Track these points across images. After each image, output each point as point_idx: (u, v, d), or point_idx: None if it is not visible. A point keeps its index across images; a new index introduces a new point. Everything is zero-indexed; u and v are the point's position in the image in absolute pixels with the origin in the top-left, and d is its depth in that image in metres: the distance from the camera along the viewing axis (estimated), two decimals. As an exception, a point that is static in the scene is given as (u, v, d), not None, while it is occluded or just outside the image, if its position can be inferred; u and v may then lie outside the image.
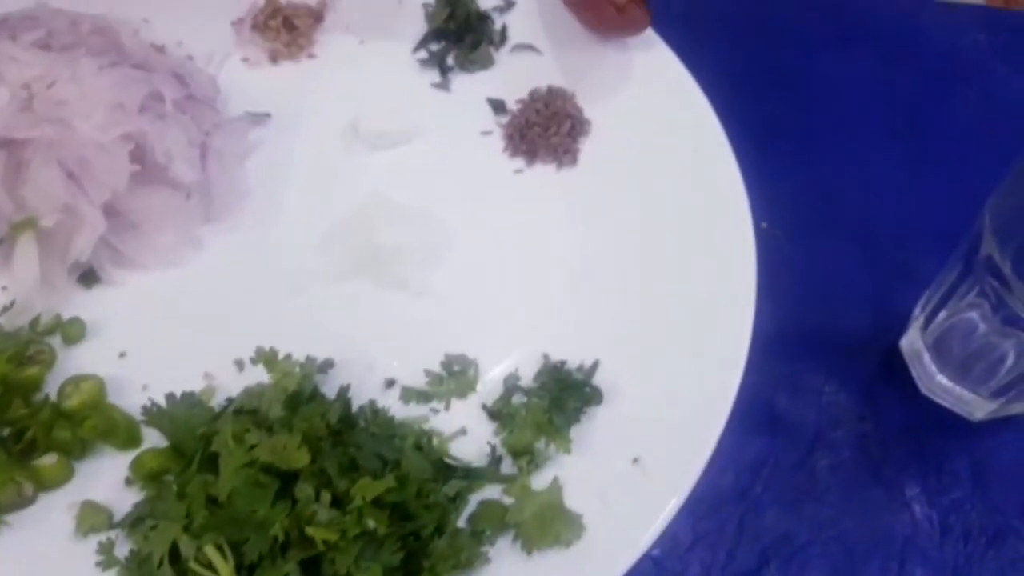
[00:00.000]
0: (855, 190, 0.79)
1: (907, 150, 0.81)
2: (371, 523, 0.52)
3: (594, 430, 0.60)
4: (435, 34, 0.78)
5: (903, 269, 0.74)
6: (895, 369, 0.70)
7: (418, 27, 0.79)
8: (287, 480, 0.55)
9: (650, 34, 0.75)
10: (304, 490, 0.54)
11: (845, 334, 0.72)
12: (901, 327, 0.70)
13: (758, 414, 0.68)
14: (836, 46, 0.88)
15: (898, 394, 0.69)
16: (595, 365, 0.63)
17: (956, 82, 0.86)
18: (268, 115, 0.74)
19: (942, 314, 0.66)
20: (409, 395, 0.62)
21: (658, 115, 0.73)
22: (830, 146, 0.81)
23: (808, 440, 0.68)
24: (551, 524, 0.55)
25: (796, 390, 0.69)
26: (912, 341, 0.69)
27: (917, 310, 0.69)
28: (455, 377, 0.63)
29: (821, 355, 0.70)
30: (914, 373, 0.69)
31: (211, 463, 0.56)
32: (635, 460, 0.58)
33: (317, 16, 0.79)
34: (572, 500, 0.57)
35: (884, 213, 0.77)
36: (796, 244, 0.74)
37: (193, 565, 0.52)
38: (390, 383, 0.63)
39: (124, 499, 0.58)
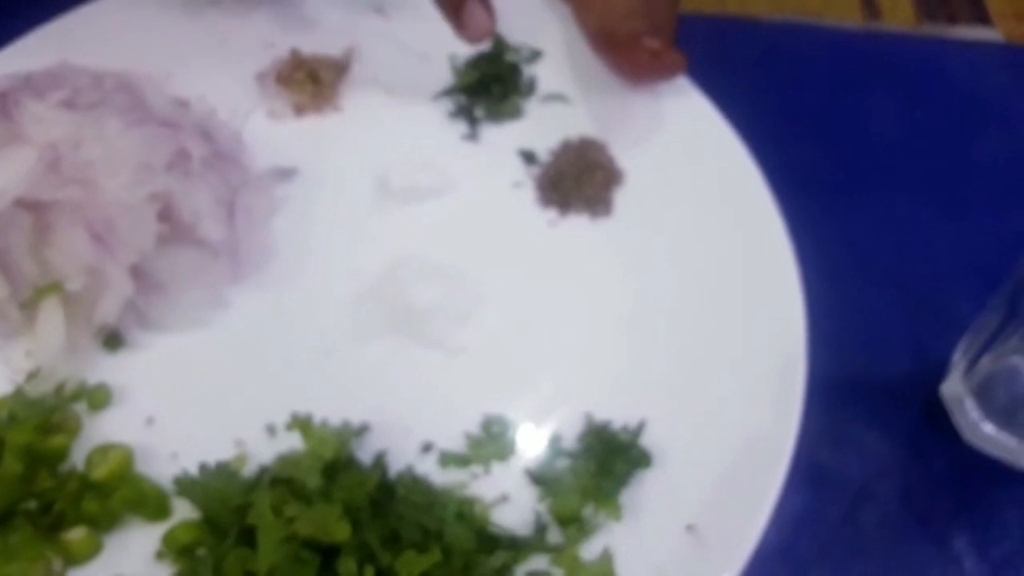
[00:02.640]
0: (888, 234, 0.77)
1: (939, 192, 0.79)
2: (420, 600, 0.49)
3: (644, 495, 0.58)
4: (463, 87, 0.76)
5: (941, 313, 0.71)
6: (937, 417, 0.67)
7: (444, 78, 0.78)
8: (328, 554, 0.52)
9: (681, 80, 0.73)
10: (348, 565, 0.51)
11: (885, 382, 0.70)
12: (940, 373, 0.68)
13: (799, 467, 0.65)
14: (860, 89, 0.86)
15: (942, 443, 0.67)
16: (641, 425, 0.60)
17: (984, 121, 0.84)
18: (295, 170, 0.72)
19: (985, 359, 0.63)
20: (448, 460, 0.60)
21: (694, 162, 0.71)
22: (860, 191, 0.79)
23: (852, 493, 0.65)
24: (605, 598, 0.52)
25: (837, 442, 0.67)
26: (953, 387, 0.67)
27: (957, 355, 0.67)
28: (495, 439, 0.61)
29: (862, 405, 0.68)
30: (956, 421, 0.67)
31: (248, 537, 0.53)
32: (689, 527, 0.56)
33: (342, 69, 0.77)
34: (625, 572, 0.54)
35: (919, 257, 0.75)
36: (832, 292, 0.71)
37: (233, 647, 0.49)
38: (427, 447, 0.60)
39: (155, 574, 0.55)
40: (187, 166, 0.64)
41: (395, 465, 0.58)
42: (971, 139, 0.83)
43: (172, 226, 0.62)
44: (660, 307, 0.66)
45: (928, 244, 0.76)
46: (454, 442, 0.60)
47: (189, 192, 0.63)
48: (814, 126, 0.82)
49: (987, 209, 0.78)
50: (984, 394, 0.64)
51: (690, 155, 0.72)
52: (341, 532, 0.52)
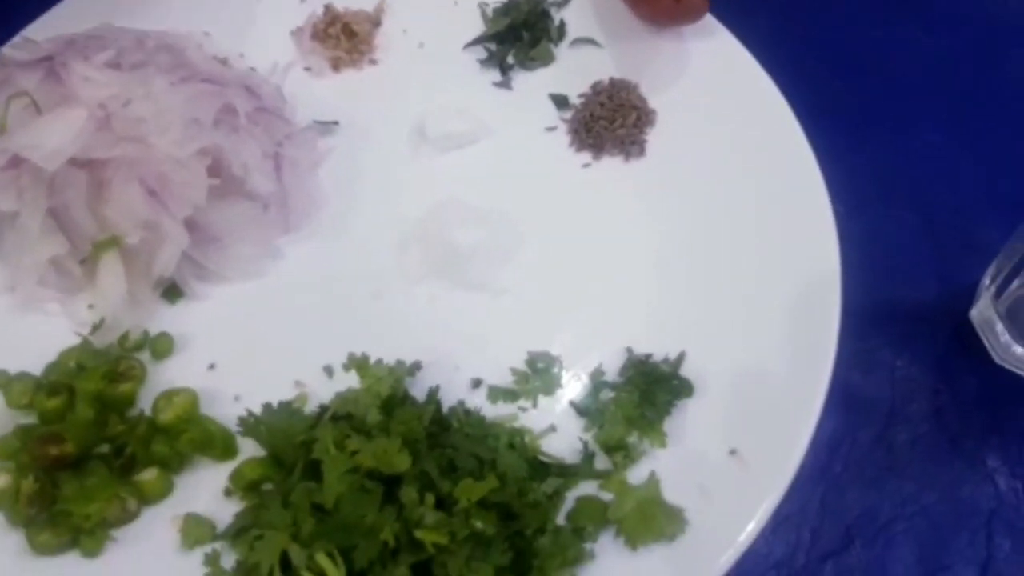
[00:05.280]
0: (913, 163, 0.77)
1: (962, 120, 0.79)
2: (479, 524, 0.51)
3: (687, 423, 0.59)
4: (493, 34, 0.76)
5: (967, 240, 0.72)
6: (966, 340, 0.68)
7: (475, 26, 0.78)
8: (389, 484, 0.54)
9: (708, 19, 0.73)
10: (409, 494, 0.52)
11: (913, 308, 0.70)
12: (969, 298, 0.69)
13: (832, 392, 0.65)
14: (884, 19, 0.85)
15: (971, 365, 0.67)
16: (681, 357, 0.61)
17: (1008, 48, 0.83)
18: (336, 123, 0.72)
19: (1015, 283, 0.64)
20: (496, 394, 0.61)
21: (725, 99, 0.71)
22: (885, 120, 0.79)
23: (884, 415, 0.66)
24: (653, 519, 0.54)
25: (868, 366, 0.67)
26: (983, 311, 0.67)
27: (987, 280, 0.67)
28: (540, 375, 0.62)
29: (891, 330, 0.69)
30: (987, 343, 0.67)
31: (312, 471, 0.55)
32: (732, 451, 0.57)
33: (375, 21, 0.77)
34: (671, 494, 0.56)
35: (943, 184, 0.75)
36: (858, 221, 0.71)
37: (305, 573, 0.51)
38: (476, 383, 0.62)
39: (224, 510, 0.57)
40: (234, 121, 0.64)
41: (447, 400, 0.60)
42: (995, 66, 0.82)
43: (223, 180, 0.63)
44: (695, 242, 0.66)
45: (953, 171, 0.76)
46: (501, 378, 0.62)
47: (237, 147, 0.64)
48: (837, 58, 0.82)
49: (1012, 135, 0.77)
50: (1015, 316, 0.65)
51: (720, 93, 0.71)
52: (402, 462, 0.53)
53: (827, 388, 0.58)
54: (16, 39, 0.72)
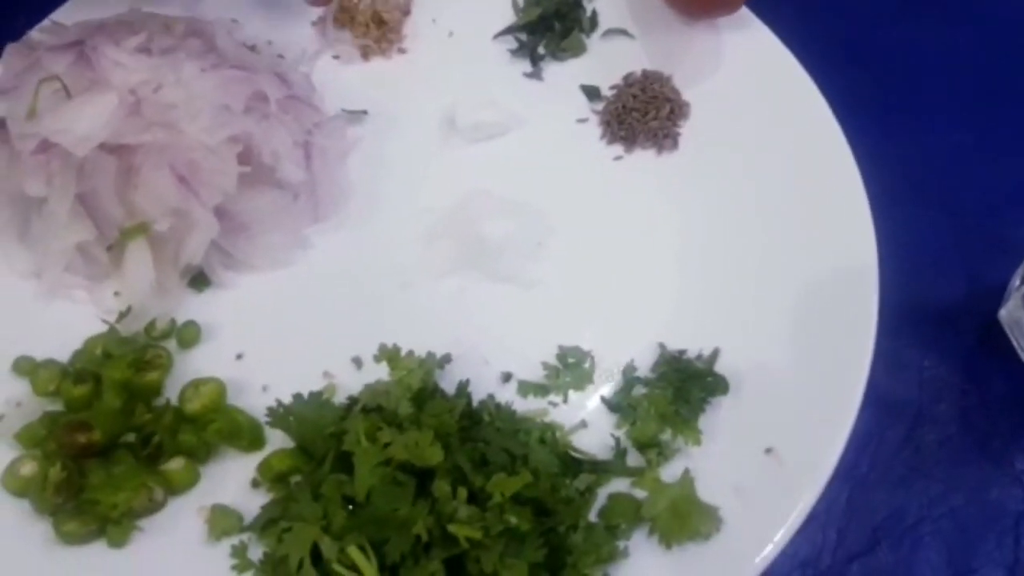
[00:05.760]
0: (943, 161, 0.75)
1: (994, 117, 0.78)
2: (513, 520, 0.51)
3: (721, 420, 0.58)
4: (525, 24, 0.75)
5: (995, 239, 0.71)
6: (995, 340, 0.67)
7: (506, 16, 0.77)
8: (422, 478, 0.53)
9: (743, 11, 0.72)
10: (442, 487, 0.52)
11: (941, 307, 0.69)
12: (998, 298, 0.68)
13: (860, 390, 0.65)
14: (913, 14, 0.84)
15: (1000, 366, 0.66)
16: (715, 353, 0.61)
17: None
18: (365, 112, 0.72)
19: (1046, 284, 0.63)
20: (527, 388, 0.60)
21: (759, 92, 0.70)
22: (914, 117, 0.78)
23: (912, 415, 0.65)
24: (687, 517, 0.53)
25: (896, 365, 0.66)
26: (1012, 311, 0.66)
27: (1016, 280, 0.66)
28: (571, 369, 0.61)
29: (919, 329, 0.68)
30: (1016, 344, 0.66)
31: (342, 463, 0.54)
32: (768, 450, 0.56)
33: (404, 10, 0.76)
34: (706, 492, 0.55)
35: (971, 182, 0.74)
36: (886, 219, 0.70)
37: (336, 567, 0.50)
38: (507, 377, 0.61)
39: (251, 501, 0.56)
40: (264, 108, 0.64)
41: (477, 394, 0.59)
42: (1018, 61, 0.80)
43: (253, 168, 0.62)
44: (729, 236, 0.65)
45: (984, 170, 0.75)
46: (532, 372, 0.61)
47: (268, 134, 0.63)
48: (865, 52, 0.81)
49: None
50: (1045, 318, 0.64)
51: (755, 86, 0.71)
52: (434, 455, 0.52)
53: (864, 387, 0.58)
54: (45, 23, 0.71)
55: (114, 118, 0.60)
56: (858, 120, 0.70)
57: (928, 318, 0.68)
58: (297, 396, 0.57)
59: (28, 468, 0.56)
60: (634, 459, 0.57)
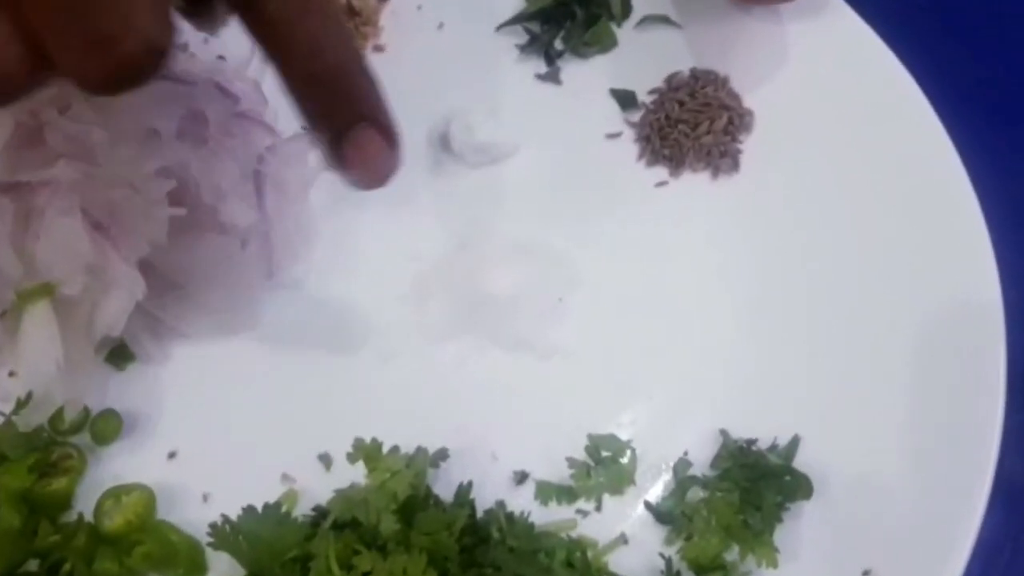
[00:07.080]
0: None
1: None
2: (535, 674, 0.50)
3: (803, 532, 0.58)
4: (536, 12, 0.76)
5: None
6: None
7: (512, 2, 0.77)
8: (413, 618, 0.53)
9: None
10: (440, 633, 0.51)
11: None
12: None
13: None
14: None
15: None
16: (794, 443, 0.61)
17: None
18: (332, 130, 0.71)
19: None
20: (547, 492, 0.61)
21: (845, 97, 0.71)
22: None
23: (1057, 512, 0.64)
24: (763, 662, 0.53)
25: (1030, 449, 0.66)
26: None
27: None
28: (605, 466, 0.61)
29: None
30: None
31: (307, 598, 0.54)
32: (866, 573, 0.56)
33: (382, -2, 0.77)
34: (787, 631, 0.55)
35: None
36: (1010, 248, 0.69)
37: None
38: (521, 477, 0.61)
39: (191, 646, 0.56)
40: (203, 131, 0.64)
41: (483, 501, 0.59)
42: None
43: (189, 209, 0.62)
44: (807, 290, 0.66)
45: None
46: (554, 470, 0.61)
47: (208, 164, 0.63)
48: (977, 40, 0.81)
49: None
50: None
51: (838, 88, 0.71)
52: (428, 589, 0.52)
53: (992, 479, 0.58)
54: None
55: (8, 148, 0.60)
56: (972, 125, 0.70)
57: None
58: (248, 509, 0.57)
59: None
60: (692, 586, 0.57)
